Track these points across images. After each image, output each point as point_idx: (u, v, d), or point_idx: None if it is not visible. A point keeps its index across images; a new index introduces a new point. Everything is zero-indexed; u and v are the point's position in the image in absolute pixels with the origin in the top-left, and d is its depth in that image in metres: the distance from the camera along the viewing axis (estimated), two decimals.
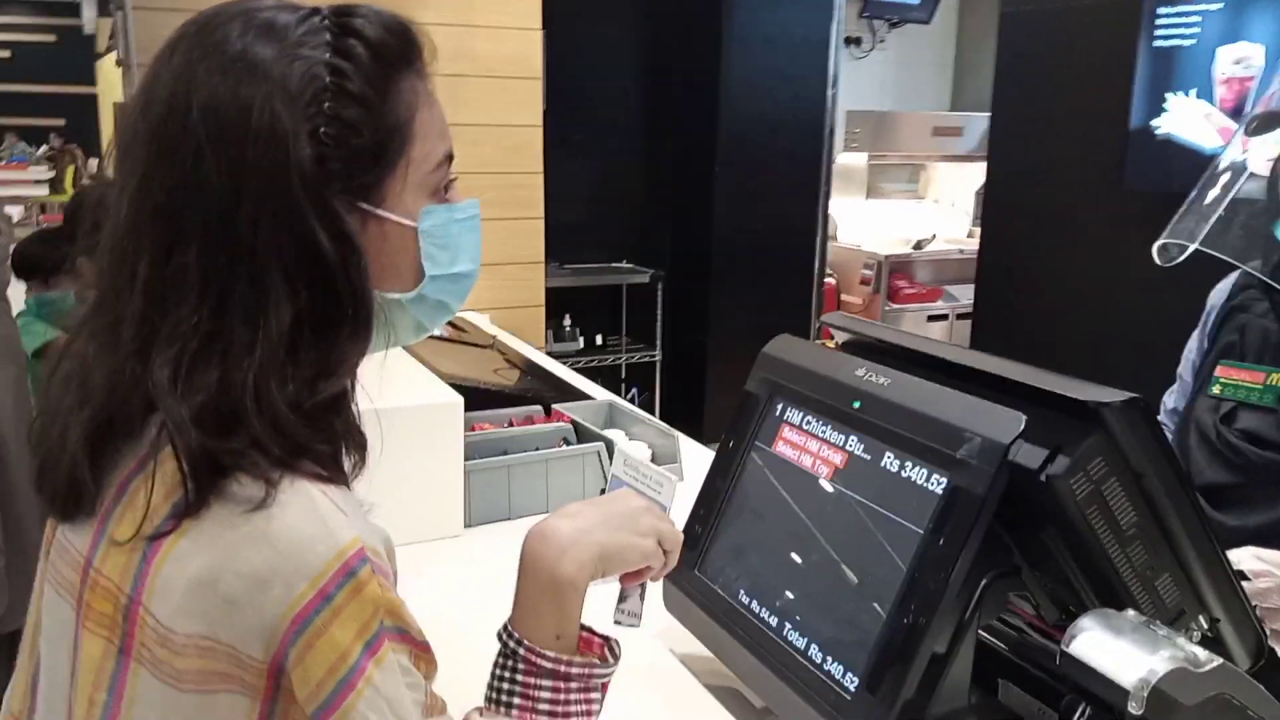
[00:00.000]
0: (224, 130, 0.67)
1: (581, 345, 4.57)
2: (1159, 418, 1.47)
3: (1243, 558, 0.99)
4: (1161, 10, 2.64)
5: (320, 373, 0.69)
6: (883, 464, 0.94)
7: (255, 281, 0.67)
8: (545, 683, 0.78)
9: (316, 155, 0.68)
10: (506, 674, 0.78)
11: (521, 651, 0.78)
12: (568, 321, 4.53)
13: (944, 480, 0.87)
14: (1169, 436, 1.43)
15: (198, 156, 0.67)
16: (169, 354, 0.66)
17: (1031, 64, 3.05)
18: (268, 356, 0.66)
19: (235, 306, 0.67)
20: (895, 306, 5.31)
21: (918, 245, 5.41)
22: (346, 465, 0.76)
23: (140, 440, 0.69)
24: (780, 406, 1.09)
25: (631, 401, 4.68)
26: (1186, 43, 2.58)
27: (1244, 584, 0.99)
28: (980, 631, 1.08)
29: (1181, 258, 1.28)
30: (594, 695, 0.80)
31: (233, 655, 0.65)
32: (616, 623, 0.94)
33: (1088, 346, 2.79)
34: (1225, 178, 1.27)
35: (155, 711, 0.67)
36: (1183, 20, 2.59)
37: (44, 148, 5.91)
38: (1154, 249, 1.28)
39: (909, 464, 0.91)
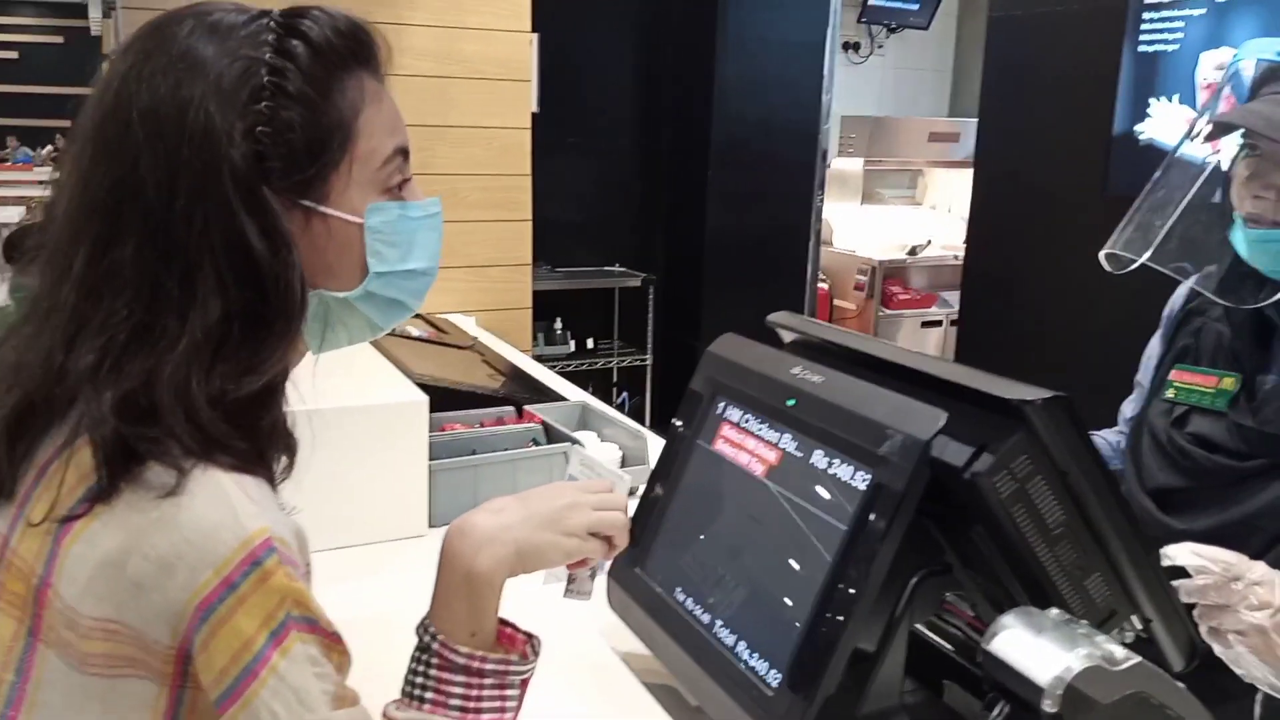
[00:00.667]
0: (161, 128, 0.69)
1: (573, 348, 4.58)
2: (1118, 427, 1.47)
3: (1180, 553, 0.98)
4: (1146, 15, 2.64)
5: (247, 368, 0.70)
6: (812, 461, 0.94)
7: (187, 277, 0.68)
8: (458, 678, 0.78)
9: (253, 153, 0.70)
10: (421, 668, 0.79)
11: (435, 646, 0.78)
12: (559, 325, 4.53)
13: (867, 477, 0.87)
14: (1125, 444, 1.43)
15: (136, 154, 0.69)
16: (95, 344, 0.68)
17: (1018, 69, 3.05)
18: (192, 350, 0.68)
19: (167, 301, 0.68)
20: (889, 312, 5.30)
21: (913, 251, 5.40)
22: (275, 466, 0.77)
23: (63, 427, 0.71)
24: (721, 405, 1.10)
25: (621, 406, 4.69)
26: (1170, 48, 2.58)
27: (1182, 581, 0.99)
28: (925, 631, 1.09)
29: (1132, 267, 1.28)
30: (510, 692, 0.80)
31: (139, 640, 0.66)
32: (565, 597, 0.95)
33: (1072, 350, 2.79)
34: (1174, 185, 1.27)
35: (60, 694, 0.68)
36: (1167, 25, 2.59)
37: (48, 148, 5.94)
38: (1101, 256, 1.28)
39: (836, 461, 0.92)
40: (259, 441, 0.73)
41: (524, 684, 0.82)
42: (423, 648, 0.79)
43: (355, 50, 0.76)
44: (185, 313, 0.68)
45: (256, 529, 0.67)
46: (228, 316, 0.69)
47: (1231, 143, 1.22)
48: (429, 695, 0.78)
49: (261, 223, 0.70)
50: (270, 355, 0.72)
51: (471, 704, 0.78)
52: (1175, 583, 0.97)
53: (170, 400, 0.67)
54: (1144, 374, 1.43)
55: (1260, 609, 0.94)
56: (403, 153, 0.80)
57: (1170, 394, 1.29)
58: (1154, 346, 1.42)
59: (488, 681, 0.79)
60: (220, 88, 0.69)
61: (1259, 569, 0.97)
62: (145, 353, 0.68)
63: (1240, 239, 1.16)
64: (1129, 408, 1.45)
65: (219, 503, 0.67)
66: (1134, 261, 1.25)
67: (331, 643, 0.71)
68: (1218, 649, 0.96)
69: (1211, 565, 0.96)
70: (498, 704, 0.79)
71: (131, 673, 0.67)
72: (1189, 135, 1.24)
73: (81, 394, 0.68)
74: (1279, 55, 1.14)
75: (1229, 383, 1.23)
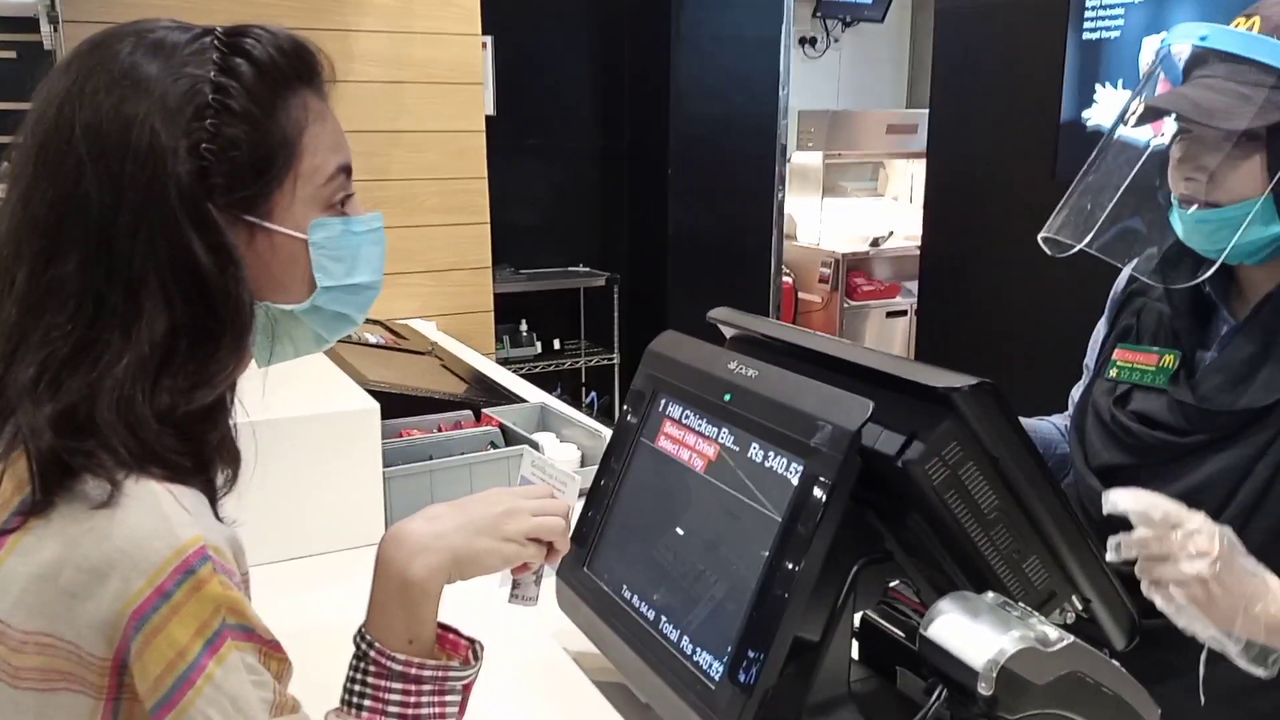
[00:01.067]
0: (104, 145, 0.69)
1: (539, 350, 4.57)
2: (1068, 411, 1.48)
3: (1122, 498, 0.97)
4: (1089, 3, 2.67)
5: (196, 382, 0.71)
6: (749, 455, 0.95)
7: (131, 292, 0.69)
8: (395, 685, 0.78)
9: (197, 169, 0.70)
10: (359, 675, 0.78)
11: (372, 654, 0.78)
12: (524, 326, 4.53)
13: (800, 468, 0.88)
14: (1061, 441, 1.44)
15: (79, 171, 0.69)
16: (35, 358, 0.68)
17: (967, 60, 3.07)
18: (137, 365, 0.68)
19: (110, 316, 0.69)
20: (854, 304, 5.34)
21: (875, 243, 5.44)
22: (219, 479, 0.77)
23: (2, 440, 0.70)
24: (663, 402, 1.10)
25: (590, 406, 4.69)
26: (1112, 34, 2.61)
27: (1123, 535, 0.98)
28: (876, 618, 1.10)
29: (1070, 252, 1.28)
30: (449, 698, 0.80)
31: (74, 653, 0.66)
32: (510, 603, 0.95)
33: (1028, 335, 2.82)
34: (1108, 170, 1.27)
35: None
36: (1108, 13, 2.62)
37: (5, 164, 5.85)
38: (1040, 239, 1.28)
39: (771, 454, 0.92)
40: (206, 455, 0.74)
41: (466, 689, 0.82)
42: (360, 655, 0.79)
43: (298, 69, 0.77)
44: (129, 328, 0.68)
45: (190, 538, 0.67)
46: (174, 331, 0.69)
47: (1172, 125, 1.23)
48: (367, 703, 0.78)
49: (207, 238, 0.70)
50: (221, 369, 0.72)
51: (410, 711, 0.78)
52: (1115, 538, 0.97)
53: (112, 415, 0.67)
54: (1090, 356, 1.44)
55: (1199, 558, 0.95)
56: (345, 170, 0.81)
57: (1113, 373, 1.29)
58: (1100, 329, 1.43)
59: (426, 688, 0.79)
60: (165, 105, 0.70)
61: (1196, 518, 0.96)
62: (87, 367, 0.68)
63: (1177, 220, 1.18)
64: (1078, 391, 1.47)
65: (152, 512, 0.67)
66: (1070, 249, 1.26)
67: (270, 650, 0.71)
68: (1160, 603, 0.96)
69: (1152, 511, 0.96)
70: (437, 710, 0.79)
71: (65, 686, 0.67)
72: (1121, 119, 1.25)
73: (18, 408, 0.67)
74: (1201, 40, 1.15)
75: (1169, 360, 1.24)
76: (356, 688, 0.78)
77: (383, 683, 0.78)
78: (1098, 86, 2.66)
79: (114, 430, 0.67)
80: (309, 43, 0.79)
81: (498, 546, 0.84)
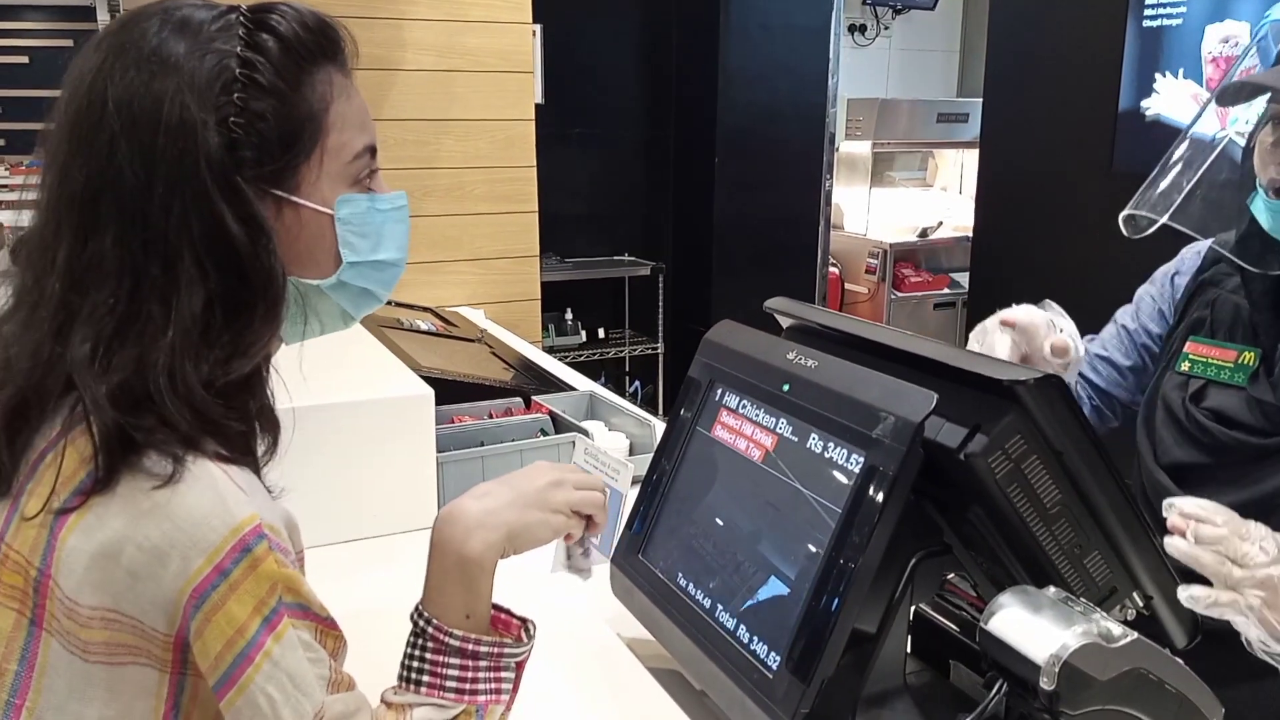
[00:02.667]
0: (136, 121, 0.70)
1: (584, 339, 4.59)
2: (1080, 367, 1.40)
3: (1186, 504, 0.96)
4: None
5: (233, 353, 0.72)
6: (809, 445, 0.95)
7: (168, 265, 0.70)
8: (454, 660, 0.79)
9: (226, 143, 0.71)
10: (416, 652, 0.80)
11: (430, 630, 0.79)
12: (569, 315, 4.54)
13: (861, 459, 0.88)
14: (1094, 394, 1.39)
15: (112, 147, 0.70)
16: (87, 333, 0.70)
17: (1023, 48, 3.03)
18: (181, 337, 0.69)
19: (150, 289, 0.70)
20: (901, 295, 5.28)
21: (923, 233, 5.37)
22: (260, 448, 0.78)
23: (54, 420, 0.72)
24: (719, 391, 1.10)
25: (634, 394, 4.70)
26: (1173, 22, 2.56)
27: (1198, 527, 0.95)
28: (930, 612, 1.09)
29: (1150, 230, 1.25)
30: (505, 674, 0.81)
31: (138, 628, 0.68)
32: (568, 571, 0.97)
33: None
34: (1195, 150, 1.22)
35: (64, 680, 0.69)
36: (1170, 0, 2.56)
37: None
38: (1120, 219, 1.25)
39: (831, 444, 0.92)
40: (249, 424, 0.75)
41: (520, 666, 0.84)
42: (418, 632, 0.80)
43: (323, 45, 0.78)
44: (169, 300, 0.70)
45: (246, 516, 0.69)
46: (210, 302, 0.71)
47: (1253, 110, 1.18)
48: (425, 679, 0.79)
49: (238, 210, 0.72)
50: (256, 339, 0.74)
51: (468, 685, 0.79)
52: (1189, 531, 0.95)
53: (165, 386, 0.68)
54: (1135, 322, 1.38)
55: (1270, 564, 0.93)
56: (371, 150, 0.82)
57: (1185, 366, 1.25)
58: (1155, 299, 1.37)
59: (483, 664, 0.80)
60: (194, 81, 0.71)
61: (1257, 527, 0.95)
62: (133, 341, 0.69)
63: (1263, 208, 1.12)
64: (1094, 345, 1.41)
65: (209, 491, 0.69)
66: (1152, 225, 1.23)
67: (326, 628, 0.73)
68: (1231, 616, 0.95)
69: (1215, 517, 0.95)
70: (493, 686, 0.81)
71: (132, 660, 0.69)
72: (1216, 99, 1.20)
73: (80, 384, 0.69)
74: None
75: (1248, 357, 1.19)
76: (414, 664, 0.80)
77: (440, 658, 0.79)
78: (1157, 76, 2.61)
79: (169, 403, 0.68)
80: (333, 20, 0.80)
81: (547, 518, 0.86)
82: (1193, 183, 1.23)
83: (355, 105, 0.80)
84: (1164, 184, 1.25)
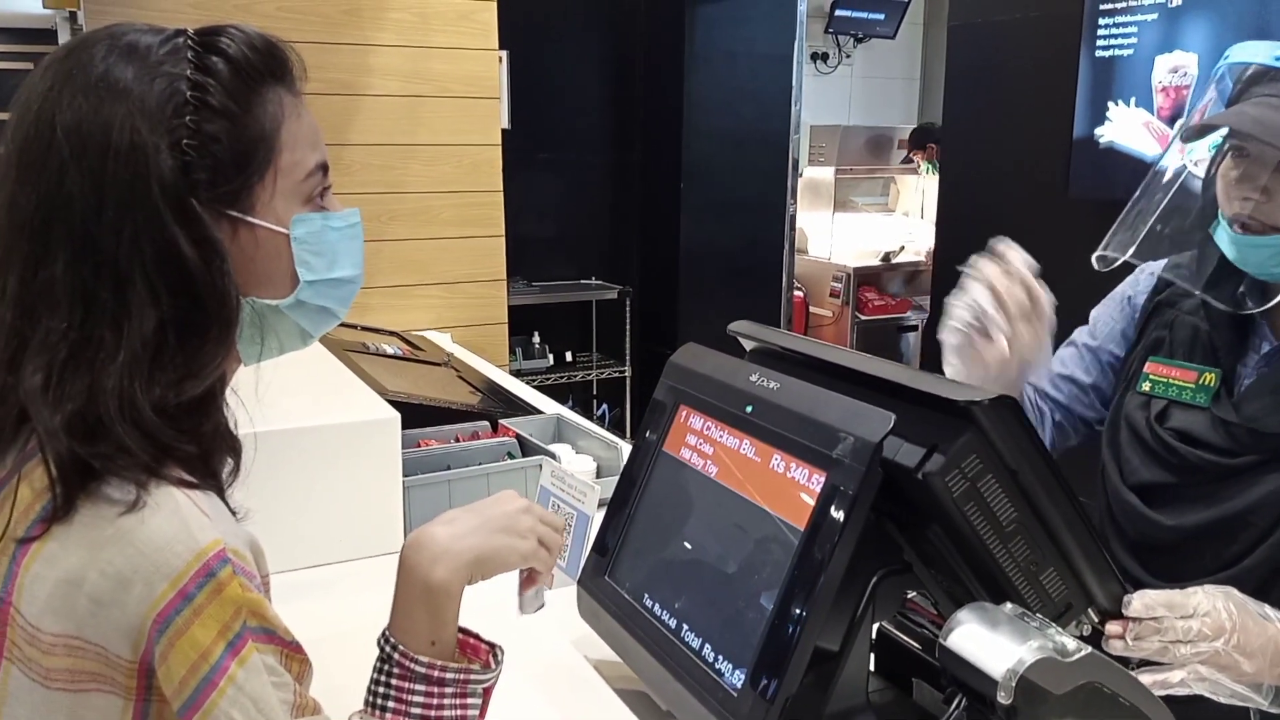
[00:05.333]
0: (86, 147, 0.70)
1: (551, 362, 4.60)
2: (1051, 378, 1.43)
3: (1134, 604, 0.98)
4: (1102, 20, 2.69)
5: (185, 375, 0.72)
6: (771, 465, 0.96)
7: (119, 290, 0.70)
8: (419, 687, 0.79)
9: (180, 165, 0.72)
10: (382, 678, 0.80)
11: (395, 656, 0.79)
12: (537, 338, 4.55)
13: (822, 479, 0.90)
14: (1054, 409, 1.40)
15: (62, 173, 0.70)
16: (39, 362, 0.69)
17: (980, 76, 3.10)
18: (132, 361, 0.69)
19: (101, 315, 0.70)
20: (865, 318, 5.35)
21: (886, 258, 5.45)
22: (223, 470, 0.78)
23: (12, 448, 0.72)
24: (684, 413, 1.12)
25: (602, 418, 4.71)
26: (1125, 53, 2.63)
27: (1127, 640, 0.98)
28: (892, 630, 1.11)
29: (1118, 263, 1.27)
30: (471, 700, 0.82)
31: (101, 655, 0.68)
32: (522, 612, 0.97)
33: None
34: (1161, 185, 1.26)
35: (26, 709, 0.69)
36: (1121, 30, 2.64)
37: None
38: (1093, 259, 1.27)
39: (793, 465, 0.94)
40: (204, 446, 0.75)
41: (487, 692, 0.84)
42: (384, 658, 0.81)
43: (272, 66, 0.78)
44: (120, 325, 0.70)
45: (209, 541, 0.68)
46: (162, 326, 0.71)
47: (1208, 145, 1.21)
48: (390, 704, 0.79)
49: (192, 232, 0.72)
50: (209, 360, 0.74)
51: (433, 712, 0.79)
52: (1128, 635, 0.98)
53: (116, 413, 0.68)
54: (1088, 336, 1.40)
55: (1215, 637, 0.97)
56: (323, 168, 0.82)
57: (1146, 387, 1.27)
58: (1113, 320, 1.39)
59: (448, 690, 0.80)
60: (144, 105, 0.71)
61: (1200, 599, 0.98)
62: (85, 368, 0.69)
63: (1226, 241, 1.14)
64: (1054, 363, 1.42)
65: (172, 517, 0.68)
66: (1117, 260, 1.26)
67: (291, 652, 0.73)
68: (1187, 681, 0.98)
69: (1154, 610, 0.97)
70: (459, 712, 0.81)
71: (95, 687, 0.69)
72: (1180, 137, 1.24)
73: (34, 414, 0.69)
74: (1276, 59, 1.12)
75: (1209, 378, 1.21)
76: (380, 689, 0.80)
77: (406, 684, 0.79)
78: (1110, 104, 2.68)
79: (122, 429, 0.68)
80: (281, 41, 0.80)
81: (515, 543, 0.87)
82: (1156, 216, 1.26)
83: (306, 124, 0.81)
84: (1133, 222, 1.28)
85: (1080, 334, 1.42)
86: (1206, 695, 0.99)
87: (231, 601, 0.68)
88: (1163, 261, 1.33)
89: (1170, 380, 1.25)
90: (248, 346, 0.81)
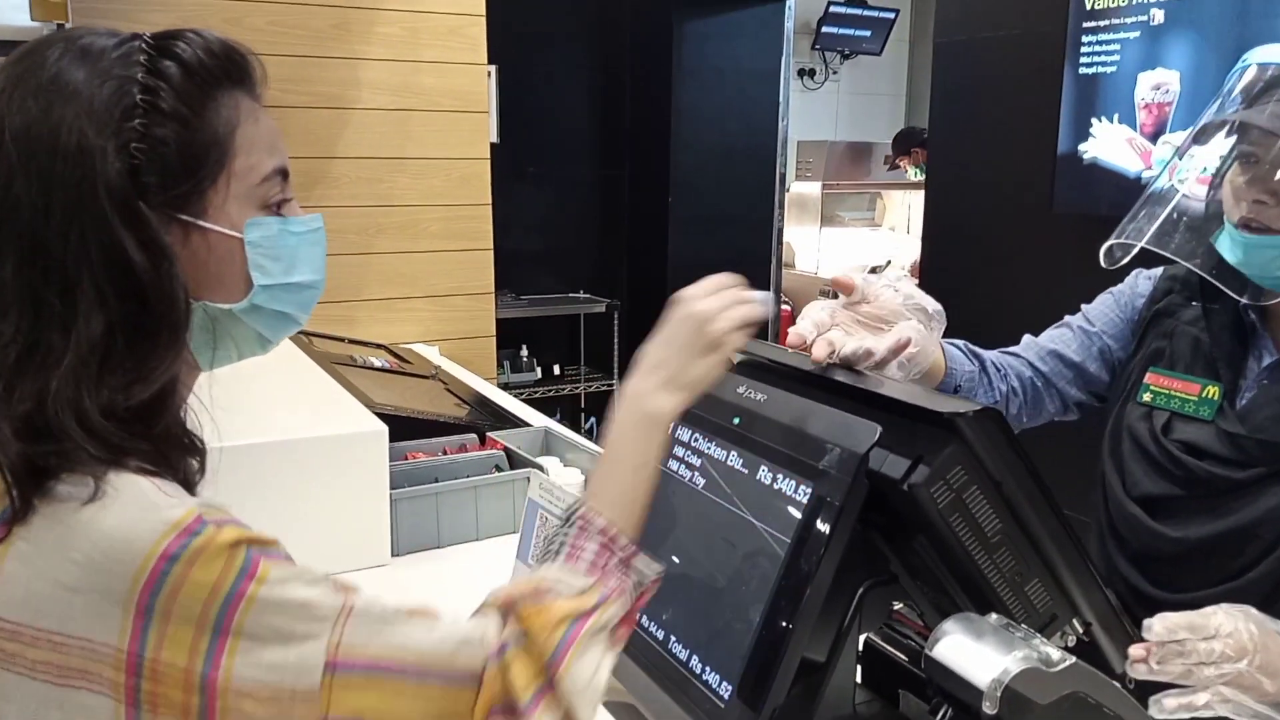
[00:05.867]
0: (33, 148, 0.70)
1: (539, 375, 4.60)
2: (1014, 348, 1.42)
3: (1154, 626, 0.96)
4: (1085, 38, 2.72)
5: (135, 379, 0.71)
6: (758, 477, 0.97)
7: (67, 293, 0.70)
8: (591, 545, 0.80)
9: (127, 169, 0.71)
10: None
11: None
12: (524, 352, 4.55)
13: (809, 490, 0.90)
14: (1033, 384, 1.38)
15: (9, 175, 0.70)
16: None
17: (964, 93, 3.12)
18: (79, 365, 0.69)
19: (49, 318, 0.70)
20: None
21: (873, 272, 5.47)
22: (187, 471, 0.77)
23: None
24: (673, 426, 1.12)
25: (590, 431, 4.70)
26: (1108, 70, 2.66)
27: (1152, 664, 0.96)
28: (879, 641, 1.11)
29: (1125, 260, 1.26)
30: (630, 581, 0.81)
31: (87, 648, 0.66)
32: None
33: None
34: (1162, 195, 1.25)
35: (14, 705, 0.68)
36: (1104, 48, 2.67)
37: None
38: (1100, 252, 1.25)
39: (780, 476, 0.94)
40: (158, 447, 0.74)
41: (643, 594, 0.84)
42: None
43: (229, 70, 0.78)
44: (68, 328, 0.70)
45: (183, 513, 0.68)
46: (110, 329, 0.70)
47: (1224, 147, 1.19)
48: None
49: (139, 235, 0.71)
50: (158, 365, 0.73)
51: (598, 569, 0.79)
52: (1152, 660, 0.96)
53: (64, 416, 0.68)
54: (1084, 320, 1.39)
55: (1238, 658, 0.96)
56: (282, 173, 0.82)
57: (1147, 398, 1.27)
58: (1105, 308, 1.38)
59: (615, 560, 0.81)
60: (93, 107, 0.71)
61: (1221, 620, 0.97)
62: (35, 372, 0.69)
63: (1228, 243, 1.14)
64: (1037, 340, 1.42)
65: (139, 500, 0.68)
66: (1128, 253, 1.24)
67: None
68: (1221, 710, 0.97)
69: (1176, 633, 0.95)
70: (619, 585, 0.80)
71: (84, 685, 0.67)
72: (1195, 137, 1.23)
73: None
74: None
75: (1212, 391, 1.21)
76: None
77: (582, 540, 0.80)
78: (1094, 120, 2.70)
79: (71, 432, 0.68)
80: (240, 46, 0.80)
81: (720, 357, 0.91)
82: (1165, 214, 1.24)
83: (264, 128, 0.80)
84: (1141, 215, 1.25)
85: (1072, 319, 1.41)
86: (1229, 716, 0.98)
87: (228, 542, 0.67)
88: (1159, 270, 1.34)
89: (1172, 392, 1.25)
90: (201, 351, 0.80)
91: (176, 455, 0.76)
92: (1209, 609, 0.98)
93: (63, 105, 0.70)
